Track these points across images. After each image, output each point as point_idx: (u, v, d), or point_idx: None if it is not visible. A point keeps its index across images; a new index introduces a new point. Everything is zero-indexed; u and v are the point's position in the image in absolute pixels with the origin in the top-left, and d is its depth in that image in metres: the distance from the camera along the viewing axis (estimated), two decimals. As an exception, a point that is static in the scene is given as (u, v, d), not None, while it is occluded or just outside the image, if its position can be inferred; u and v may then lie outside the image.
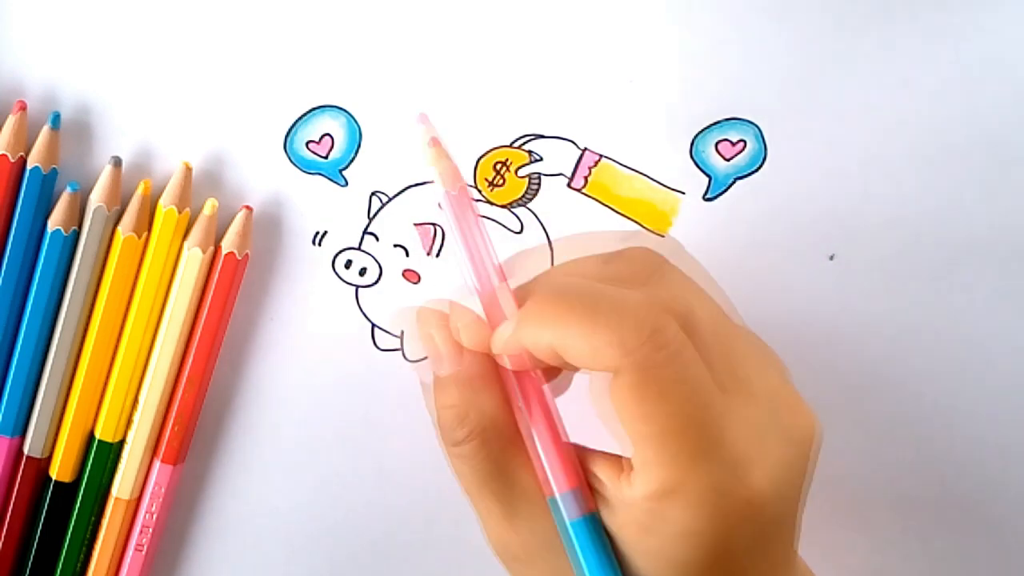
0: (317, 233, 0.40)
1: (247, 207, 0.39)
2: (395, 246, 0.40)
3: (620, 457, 0.31)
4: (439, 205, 0.35)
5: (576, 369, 0.32)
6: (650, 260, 0.33)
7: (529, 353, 0.31)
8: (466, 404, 0.32)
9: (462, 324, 0.32)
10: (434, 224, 0.40)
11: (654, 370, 0.29)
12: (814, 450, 0.31)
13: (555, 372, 0.33)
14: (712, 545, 0.29)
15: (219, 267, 0.38)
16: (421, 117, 0.34)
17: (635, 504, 0.30)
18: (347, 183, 0.39)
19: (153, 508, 0.40)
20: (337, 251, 0.40)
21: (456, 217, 0.33)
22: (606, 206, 0.39)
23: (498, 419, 0.32)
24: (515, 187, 0.39)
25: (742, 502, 0.29)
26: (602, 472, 0.31)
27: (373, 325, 0.40)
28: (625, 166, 0.39)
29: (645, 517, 0.29)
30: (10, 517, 0.40)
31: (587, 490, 0.31)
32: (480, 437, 0.31)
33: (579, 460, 0.31)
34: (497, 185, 0.39)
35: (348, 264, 0.40)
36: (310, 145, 0.39)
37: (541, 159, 0.39)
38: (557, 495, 0.31)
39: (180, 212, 0.38)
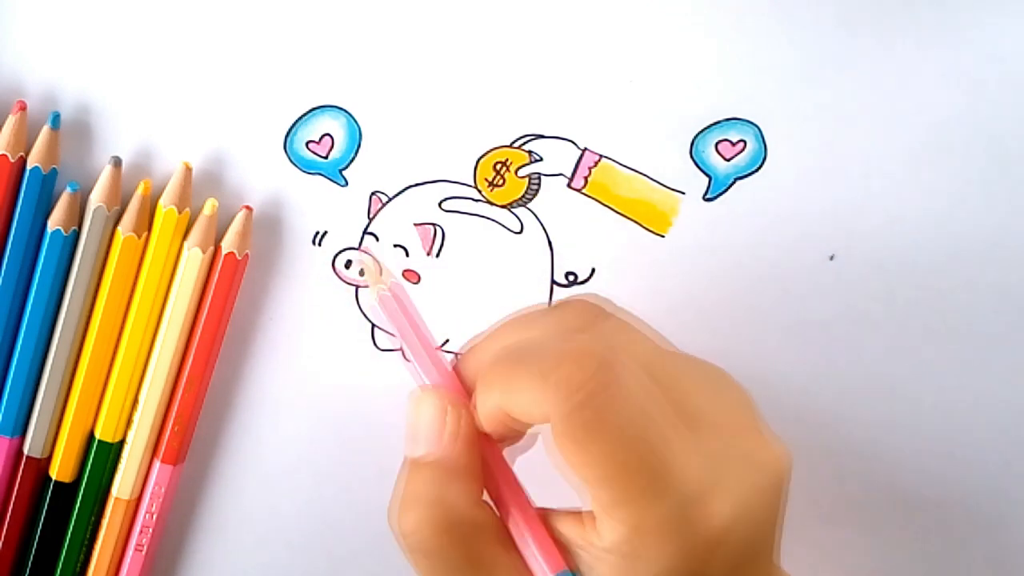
0: (317, 233, 0.40)
1: (247, 207, 0.39)
2: (395, 246, 0.40)
3: (581, 512, 0.31)
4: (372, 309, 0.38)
5: (528, 426, 0.32)
6: (587, 309, 0.33)
7: (499, 422, 0.31)
8: (436, 495, 0.31)
9: (450, 405, 0.32)
10: (434, 224, 0.40)
11: (586, 413, 0.28)
12: (782, 474, 0.30)
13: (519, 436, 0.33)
14: None
15: (219, 267, 0.38)
16: (362, 250, 0.39)
17: (608, 554, 0.29)
18: (347, 183, 0.39)
19: (153, 508, 0.40)
20: (337, 251, 0.40)
21: (390, 315, 0.35)
22: (606, 206, 0.39)
23: (468, 513, 0.31)
24: (515, 187, 0.39)
25: (709, 530, 0.29)
26: (569, 531, 0.31)
27: (373, 325, 0.40)
28: (625, 166, 0.39)
29: (622, 563, 0.29)
30: (10, 517, 0.40)
31: (571, 561, 0.31)
32: (448, 533, 0.31)
33: (545, 524, 0.31)
34: (497, 185, 0.39)
35: (348, 264, 0.40)
36: (310, 145, 0.39)
37: (541, 159, 0.39)
38: None
39: (180, 212, 0.38)
